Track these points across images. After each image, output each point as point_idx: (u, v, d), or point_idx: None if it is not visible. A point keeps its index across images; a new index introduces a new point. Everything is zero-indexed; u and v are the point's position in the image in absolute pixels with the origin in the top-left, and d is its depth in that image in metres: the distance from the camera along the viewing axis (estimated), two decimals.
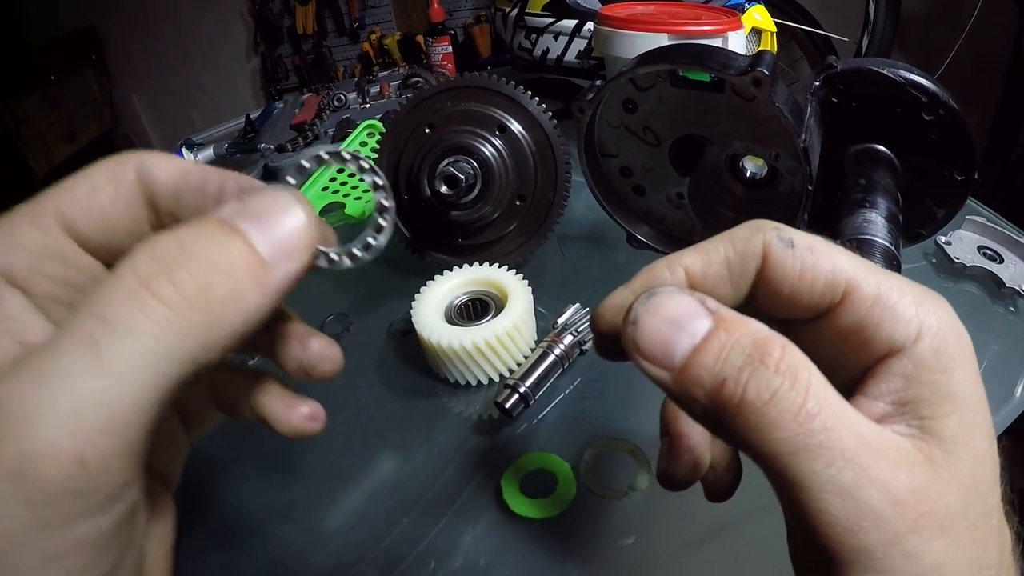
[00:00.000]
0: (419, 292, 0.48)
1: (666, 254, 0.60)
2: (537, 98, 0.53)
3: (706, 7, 0.79)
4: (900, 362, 0.20)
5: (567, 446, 0.42)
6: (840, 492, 0.18)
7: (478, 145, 0.50)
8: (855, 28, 1.47)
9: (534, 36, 0.92)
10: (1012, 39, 1.46)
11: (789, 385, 0.18)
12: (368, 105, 0.96)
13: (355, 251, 0.24)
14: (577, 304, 0.48)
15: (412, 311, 0.47)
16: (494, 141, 0.51)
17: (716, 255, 0.22)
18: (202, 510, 0.42)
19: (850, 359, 0.21)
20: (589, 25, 0.87)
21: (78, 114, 2.56)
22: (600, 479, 0.39)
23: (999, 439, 0.21)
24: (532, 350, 0.47)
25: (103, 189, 0.23)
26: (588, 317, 0.47)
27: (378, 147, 0.54)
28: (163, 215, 0.24)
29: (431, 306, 0.47)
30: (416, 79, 0.97)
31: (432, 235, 0.56)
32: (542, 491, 0.39)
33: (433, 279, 0.50)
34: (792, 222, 0.26)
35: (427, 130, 0.52)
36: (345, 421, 0.47)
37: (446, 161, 0.50)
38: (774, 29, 0.79)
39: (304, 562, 0.38)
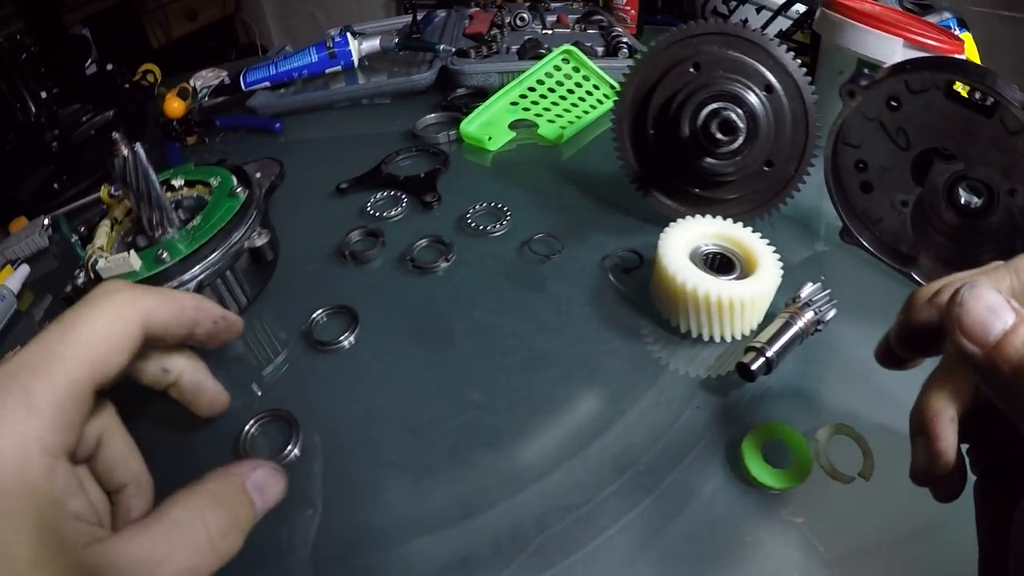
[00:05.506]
0: (667, 228, 0.47)
1: (874, 255, 0.56)
2: (805, 68, 0.50)
3: (922, 21, 0.75)
4: None
5: (790, 422, 0.40)
6: None
7: (748, 97, 0.48)
8: None
9: (734, 3, 0.88)
10: None
11: None
12: (551, 32, 0.93)
13: None
14: (818, 284, 0.46)
15: (659, 246, 0.45)
16: (761, 97, 0.49)
17: (1003, 283, 0.26)
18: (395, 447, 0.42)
19: None
20: (797, 7, 0.84)
21: None
22: (830, 460, 0.38)
23: None
24: (760, 322, 0.45)
25: (119, 348, 0.27)
26: (827, 297, 0.45)
27: (624, 76, 0.52)
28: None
29: (678, 246, 0.45)
30: (598, 17, 0.93)
31: (665, 177, 0.54)
32: (775, 462, 0.38)
33: (676, 222, 0.48)
34: (1005, 256, 0.28)
35: (691, 69, 0.50)
36: (560, 349, 0.45)
37: (715, 105, 0.47)
38: (979, 63, 0.75)
39: (512, 498, 0.37)
